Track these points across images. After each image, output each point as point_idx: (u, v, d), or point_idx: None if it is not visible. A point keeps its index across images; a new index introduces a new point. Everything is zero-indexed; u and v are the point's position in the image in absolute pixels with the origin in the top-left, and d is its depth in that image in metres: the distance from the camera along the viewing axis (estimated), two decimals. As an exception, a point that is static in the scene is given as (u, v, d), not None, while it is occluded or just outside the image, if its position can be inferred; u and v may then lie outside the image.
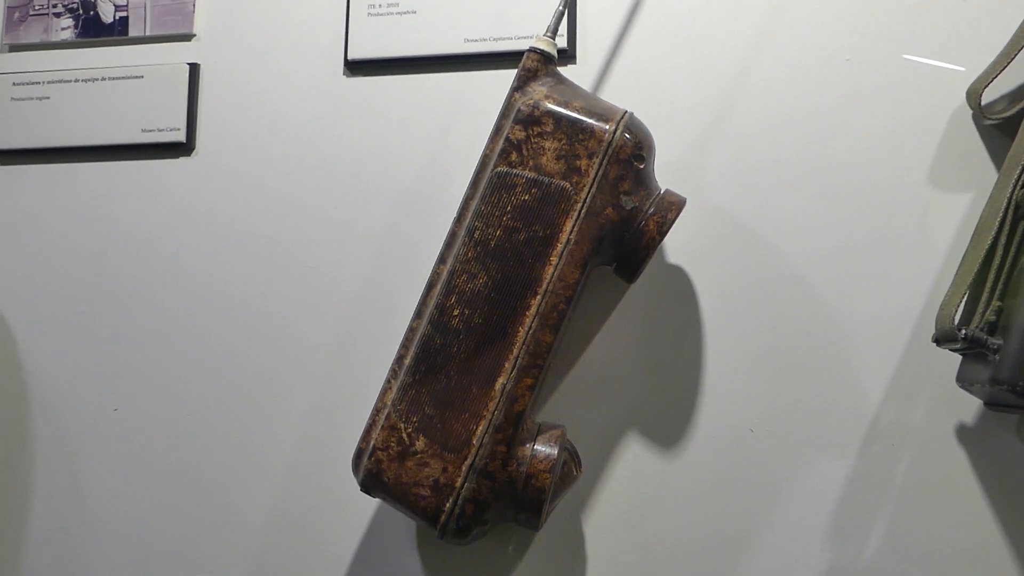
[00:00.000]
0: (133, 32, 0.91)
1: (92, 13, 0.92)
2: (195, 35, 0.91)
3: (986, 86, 0.73)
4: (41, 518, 0.86)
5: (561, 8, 0.75)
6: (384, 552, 0.80)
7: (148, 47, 0.91)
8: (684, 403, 0.77)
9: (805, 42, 0.80)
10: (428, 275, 0.74)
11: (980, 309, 0.66)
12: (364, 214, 0.85)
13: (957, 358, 0.71)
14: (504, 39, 0.84)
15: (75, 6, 0.92)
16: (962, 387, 0.70)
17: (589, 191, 0.69)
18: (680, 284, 0.79)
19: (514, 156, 0.71)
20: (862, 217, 0.77)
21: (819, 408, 0.76)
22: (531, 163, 0.70)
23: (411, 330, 0.73)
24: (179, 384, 0.86)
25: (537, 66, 0.74)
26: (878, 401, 0.75)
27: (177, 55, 0.90)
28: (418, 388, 0.70)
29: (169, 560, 0.84)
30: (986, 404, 0.72)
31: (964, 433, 0.73)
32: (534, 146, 0.70)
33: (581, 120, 0.70)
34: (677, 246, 0.79)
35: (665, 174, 0.78)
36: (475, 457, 0.69)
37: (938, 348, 0.69)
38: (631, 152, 0.70)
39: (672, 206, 0.71)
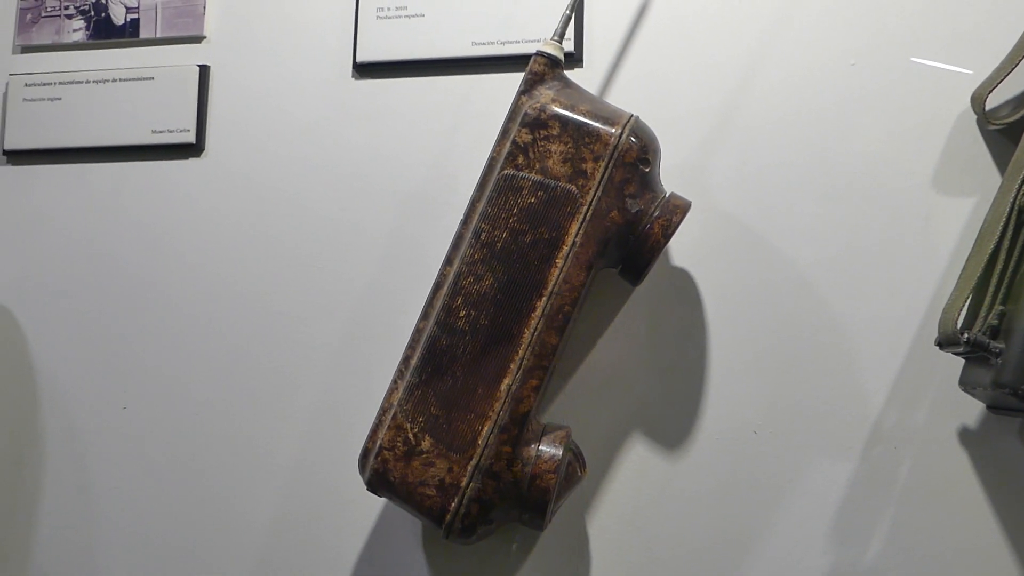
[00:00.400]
0: (144, 34, 0.92)
1: (103, 15, 0.93)
2: (205, 37, 0.91)
3: (990, 91, 0.74)
4: (50, 515, 0.87)
5: (568, 12, 0.76)
6: (390, 551, 0.81)
7: (158, 49, 0.92)
8: (688, 405, 0.78)
9: (810, 46, 0.80)
10: (435, 276, 0.74)
11: (983, 313, 0.67)
12: (371, 215, 0.85)
13: (960, 361, 0.71)
14: (511, 43, 0.84)
15: (87, 8, 0.93)
16: (965, 390, 0.71)
17: (595, 194, 0.70)
18: (685, 287, 0.79)
19: (521, 159, 0.71)
20: (866, 221, 0.77)
21: (822, 410, 0.76)
22: (537, 166, 0.71)
23: (417, 331, 0.73)
24: (187, 383, 0.86)
25: (544, 70, 0.74)
26: (881, 404, 0.75)
27: (187, 57, 0.91)
28: (424, 388, 0.71)
29: (176, 556, 0.84)
30: (988, 407, 0.73)
31: (966, 436, 0.74)
32: (540, 149, 0.71)
33: (587, 124, 0.71)
34: (682, 249, 0.79)
35: (670, 177, 0.78)
36: (480, 457, 0.69)
37: (941, 351, 0.69)
38: (637, 156, 0.71)
39: (677, 209, 0.72)
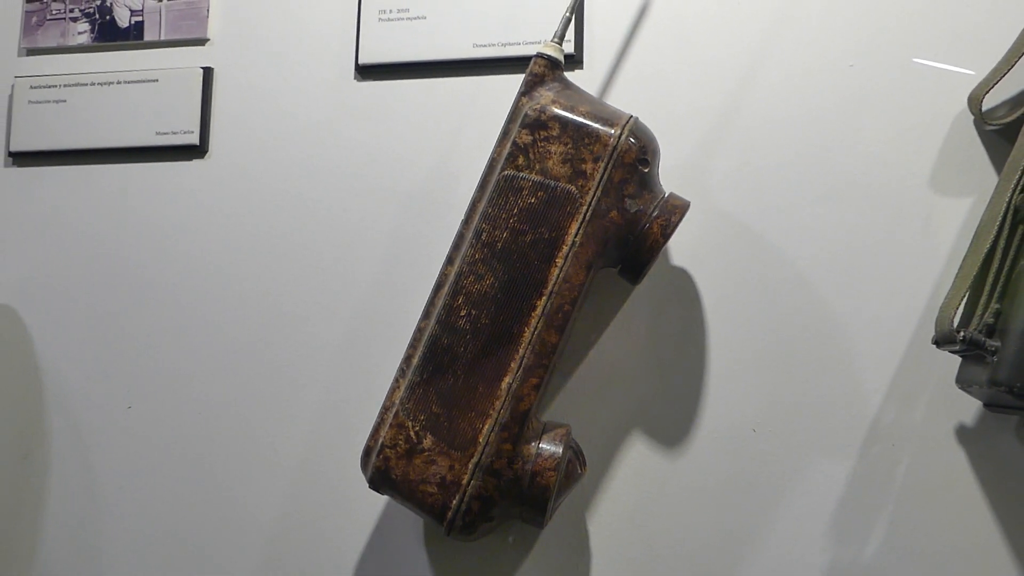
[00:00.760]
0: (148, 36, 0.93)
1: (108, 18, 0.94)
2: (209, 40, 0.92)
3: (987, 92, 0.74)
4: (56, 513, 0.88)
5: (568, 14, 0.77)
6: (392, 548, 0.81)
7: (163, 51, 0.93)
8: (687, 403, 0.78)
9: (809, 48, 0.81)
10: (436, 276, 0.75)
11: (979, 311, 0.67)
12: (373, 216, 0.86)
13: (957, 360, 0.72)
14: (513, 44, 0.85)
15: (91, 11, 0.94)
16: (961, 388, 0.71)
17: (594, 194, 0.71)
18: (684, 286, 0.80)
19: (521, 160, 0.72)
20: (864, 220, 0.78)
21: (821, 409, 0.77)
22: (537, 167, 0.71)
23: (419, 330, 0.74)
24: (192, 382, 0.87)
25: (544, 71, 0.75)
26: (879, 402, 0.76)
27: (191, 59, 0.92)
28: (425, 387, 0.71)
29: (180, 554, 0.85)
30: (985, 405, 0.73)
31: (964, 434, 0.74)
32: (540, 150, 0.72)
33: (587, 124, 0.72)
34: (681, 249, 0.80)
35: (670, 178, 0.79)
36: (481, 455, 0.70)
37: (938, 350, 0.70)
38: (636, 156, 0.71)
39: (676, 209, 0.72)
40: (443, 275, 0.74)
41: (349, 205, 0.86)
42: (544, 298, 0.70)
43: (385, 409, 0.73)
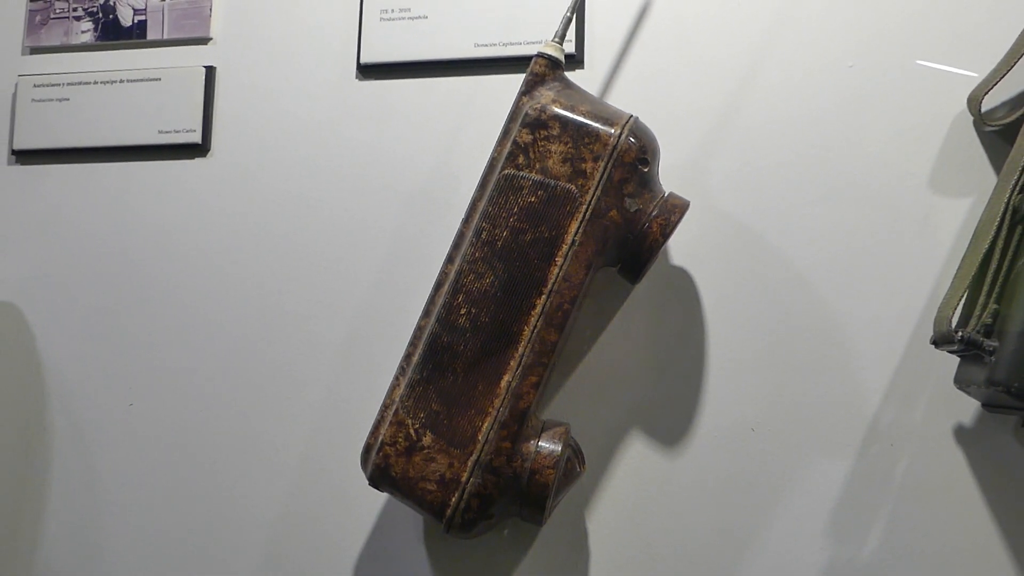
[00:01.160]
0: (151, 35, 0.93)
1: (111, 17, 0.94)
2: (211, 39, 0.92)
3: (986, 93, 0.74)
4: (57, 510, 0.88)
5: (569, 14, 0.77)
6: (392, 546, 0.82)
7: (165, 50, 0.93)
8: (687, 402, 0.79)
9: (808, 48, 0.81)
10: (436, 274, 0.75)
11: (977, 312, 0.67)
12: (374, 214, 0.86)
13: (955, 360, 0.72)
14: (514, 44, 0.85)
15: (95, 10, 0.94)
16: (959, 388, 0.71)
17: (594, 194, 0.71)
18: (684, 285, 0.80)
19: (521, 159, 0.72)
20: (863, 221, 0.78)
21: (819, 408, 0.77)
22: (538, 166, 0.72)
23: (419, 328, 0.74)
24: (193, 380, 0.87)
25: (545, 71, 0.75)
26: (877, 402, 0.76)
27: (193, 58, 0.92)
28: (425, 385, 0.72)
29: (181, 551, 0.85)
30: (983, 405, 0.73)
31: (962, 434, 0.74)
32: (541, 149, 0.72)
33: (587, 124, 0.72)
34: (681, 248, 0.80)
35: (670, 177, 0.79)
36: (480, 453, 0.70)
37: (936, 350, 0.70)
38: (636, 156, 0.71)
39: (676, 208, 0.72)
40: (443, 274, 0.74)
41: (350, 204, 0.87)
42: (544, 297, 0.71)
43: (385, 407, 0.74)
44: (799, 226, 0.79)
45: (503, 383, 0.70)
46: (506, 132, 0.74)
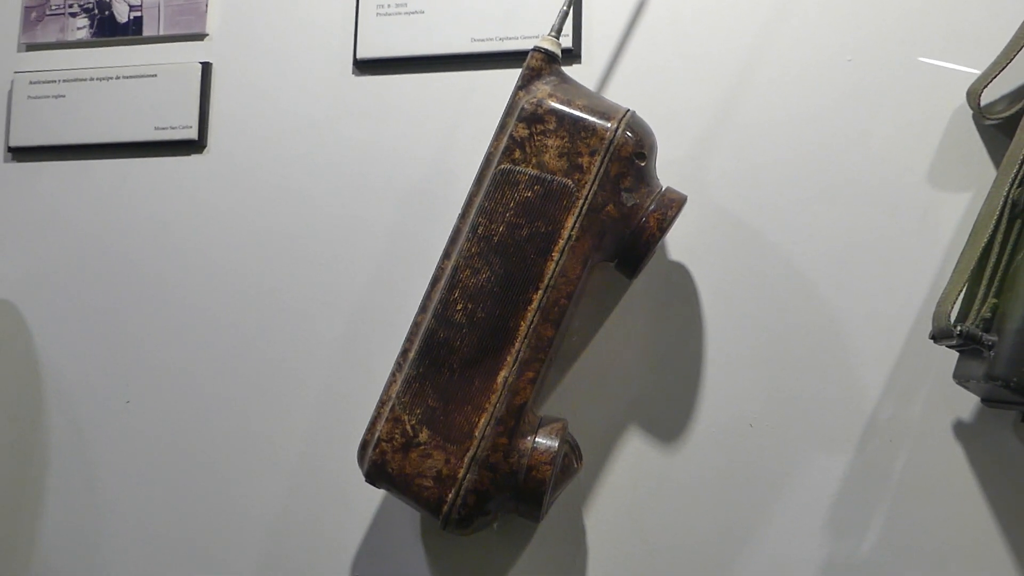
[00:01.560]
0: (147, 32, 0.93)
1: (107, 13, 0.94)
2: (207, 35, 0.92)
3: (985, 86, 0.74)
4: (54, 508, 0.88)
5: (566, 8, 0.76)
6: (388, 542, 0.81)
7: (161, 46, 0.93)
8: (684, 398, 0.78)
9: (807, 42, 0.80)
10: (433, 270, 0.75)
11: (976, 306, 0.67)
12: (371, 210, 0.86)
13: (955, 355, 0.72)
14: (511, 39, 0.85)
15: (90, 6, 0.94)
16: (959, 383, 0.71)
17: (591, 188, 0.70)
18: (681, 281, 0.80)
19: (517, 153, 0.72)
20: (862, 215, 0.78)
21: (818, 404, 0.76)
22: (534, 160, 0.71)
23: (416, 324, 0.74)
24: (190, 377, 0.87)
25: (541, 65, 0.75)
26: (876, 397, 0.76)
27: (190, 54, 0.92)
28: (422, 381, 0.71)
29: (179, 548, 0.85)
30: (983, 400, 0.73)
31: (961, 429, 0.74)
32: (537, 144, 0.72)
33: (583, 118, 0.71)
34: (678, 243, 0.80)
35: (668, 172, 0.79)
36: (477, 449, 0.70)
37: (935, 345, 0.70)
38: (632, 150, 0.71)
39: (673, 203, 0.72)
40: (440, 269, 0.74)
41: (347, 199, 0.86)
42: (540, 292, 0.70)
43: (382, 403, 0.73)
44: (797, 221, 0.79)
45: (500, 379, 0.70)
46: (502, 127, 0.74)
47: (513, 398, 0.70)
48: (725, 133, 0.81)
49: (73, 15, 0.95)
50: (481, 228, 0.72)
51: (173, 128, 0.90)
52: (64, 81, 0.93)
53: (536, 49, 0.75)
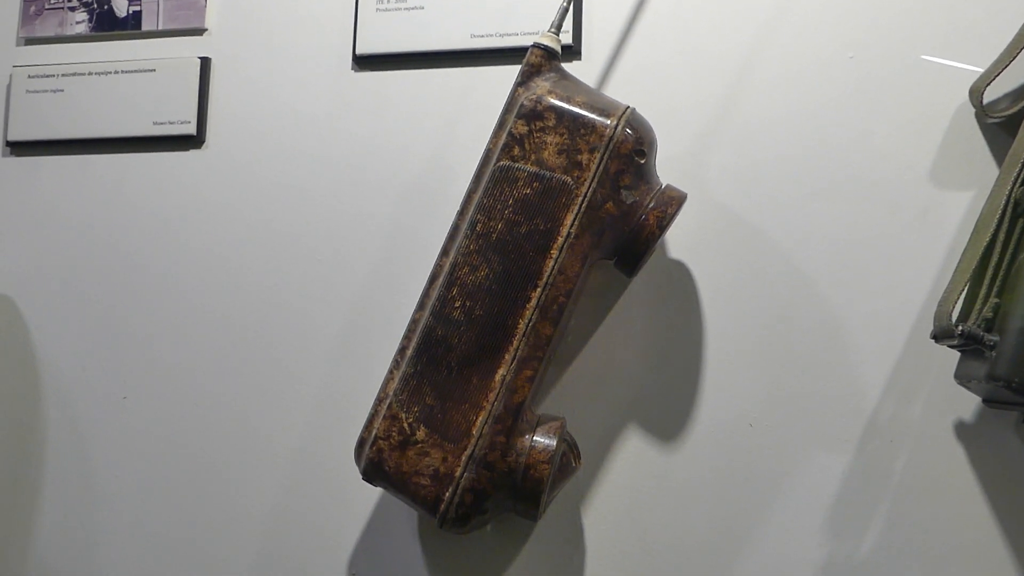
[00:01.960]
0: (146, 26, 0.92)
1: (106, 7, 0.94)
2: (206, 30, 0.92)
3: (988, 84, 0.73)
4: (51, 503, 0.88)
5: (566, 4, 0.76)
6: (385, 540, 0.81)
7: (160, 41, 0.92)
8: (684, 397, 0.78)
9: (809, 39, 0.80)
10: (431, 267, 0.74)
11: (978, 306, 0.66)
12: (370, 207, 0.85)
13: (956, 355, 0.71)
14: (511, 35, 0.84)
15: (89, 0, 0.94)
16: (960, 384, 0.71)
17: (590, 185, 0.70)
18: (681, 279, 0.79)
19: (516, 150, 0.71)
20: (863, 214, 0.77)
21: (818, 403, 0.76)
22: (533, 157, 0.71)
23: (414, 321, 0.74)
24: (187, 373, 0.87)
25: (541, 62, 0.75)
26: (877, 397, 0.75)
27: (189, 49, 0.92)
28: (419, 379, 0.71)
29: (175, 544, 0.85)
30: (984, 401, 0.72)
31: (962, 430, 0.74)
32: (536, 140, 0.71)
33: (583, 115, 0.71)
34: (678, 241, 0.79)
35: (667, 169, 0.78)
36: (475, 447, 0.69)
37: (937, 344, 0.69)
38: (632, 147, 0.71)
39: (672, 201, 0.72)
40: (438, 266, 0.74)
41: (345, 195, 0.86)
42: (539, 290, 0.70)
43: (379, 400, 0.73)
44: (798, 219, 0.78)
45: (498, 377, 0.70)
46: (502, 123, 0.74)
47: (511, 396, 0.70)
48: (726, 130, 0.80)
49: (72, 9, 0.94)
50: (480, 225, 0.71)
51: (172, 123, 0.90)
52: (63, 75, 0.93)
53: (536, 45, 0.75)
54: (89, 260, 0.90)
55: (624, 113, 0.71)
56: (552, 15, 0.82)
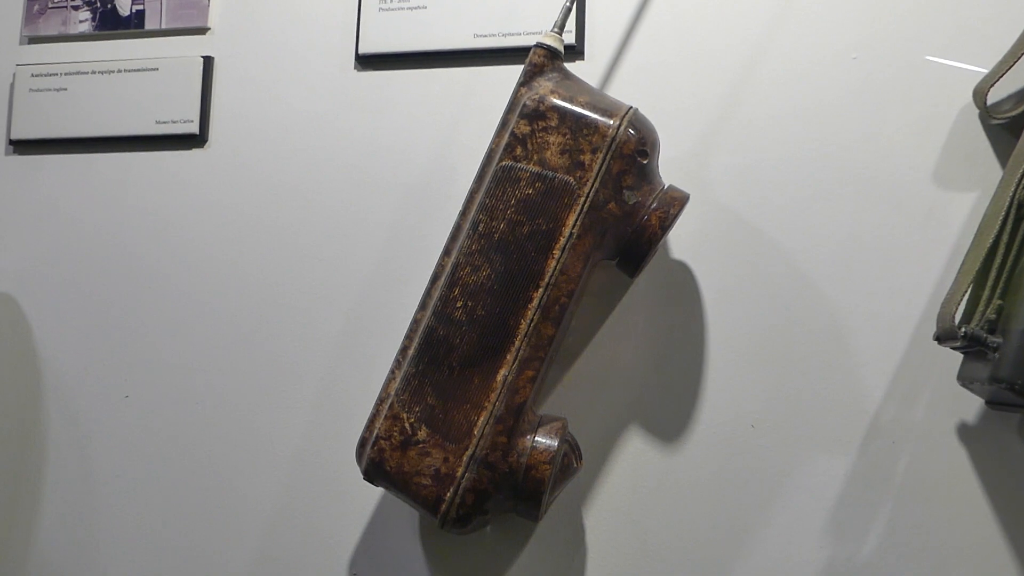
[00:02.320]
0: (149, 25, 0.93)
1: (109, 6, 0.94)
2: (209, 29, 0.92)
3: (992, 85, 0.73)
4: (52, 502, 0.88)
5: (568, 4, 0.76)
6: (387, 540, 0.81)
7: (163, 40, 0.93)
8: (686, 398, 0.78)
9: (812, 40, 0.80)
10: (434, 267, 0.74)
11: (981, 307, 0.66)
12: (372, 206, 0.85)
13: (959, 356, 0.71)
14: (513, 35, 0.84)
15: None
16: (963, 385, 0.70)
17: (592, 186, 0.70)
18: (683, 280, 0.79)
19: (519, 150, 0.71)
20: (866, 215, 0.77)
21: (820, 405, 0.76)
22: (535, 157, 0.71)
23: (415, 321, 0.73)
24: (189, 372, 0.87)
25: (543, 61, 0.74)
26: (879, 398, 0.75)
27: (192, 48, 0.92)
28: (421, 378, 0.71)
29: (177, 544, 0.85)
30: (987, 403, 0.72)
31: (965, 431, 0.73)
32: (539, 140, 0.71)
33: (585, 115, 0.71)
34: (681, 242, 0.79)
35: (670, 170, 0.78)
36: (476, 447, 0.69)
37: (940, 346, 0.69)
38: (635, 147, 0.71)
39: (675, 201, 0.72)
40: (440, 266, 0.74)
41: (348, 195, 0.86)
42: (541, 290, 0.70)
43: (381, 400, 0.73)
44: (801, 220, 0.78)
45: (499, 377, 0.70)
46: (504, 123, 0.74)
47: (513, 397, 0.70)
48: (729, 131, 0.80)
49: (75, 8, 0.94)
50: (482, 225, 0.71)
51: (174, 122, 0.90)
52: (66, 74, 0.93)
53: (539, 45, 0.75)
54: (91, 259, 0.90)
55: (627, 113, 0.71)
56: (555, 15, 0.82)
